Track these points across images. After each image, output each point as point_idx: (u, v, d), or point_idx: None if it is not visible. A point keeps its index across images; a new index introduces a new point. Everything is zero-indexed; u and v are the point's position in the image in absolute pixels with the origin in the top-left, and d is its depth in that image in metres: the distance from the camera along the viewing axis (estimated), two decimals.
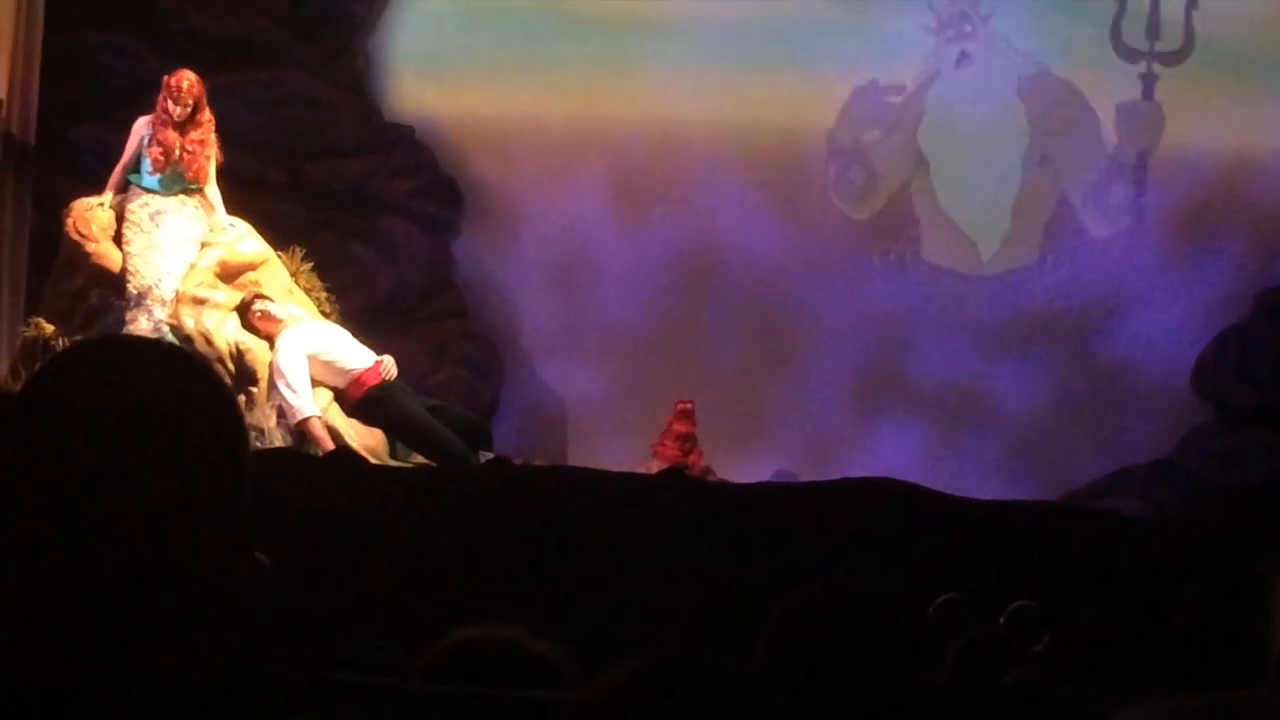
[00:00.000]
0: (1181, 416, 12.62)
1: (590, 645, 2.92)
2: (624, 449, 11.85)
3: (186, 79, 10.22)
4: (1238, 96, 12.81)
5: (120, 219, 10.31)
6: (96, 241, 10.30)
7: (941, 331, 12.75)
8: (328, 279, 11.37)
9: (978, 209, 12.96)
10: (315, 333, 10.31)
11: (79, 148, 11.94)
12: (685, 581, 3.52)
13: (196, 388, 1.61)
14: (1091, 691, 3.41)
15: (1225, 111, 12.81)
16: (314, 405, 9.96)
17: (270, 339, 10.11)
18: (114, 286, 10.26)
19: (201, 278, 10.17)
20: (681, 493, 9.00)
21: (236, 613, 1.61)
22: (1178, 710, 1.15)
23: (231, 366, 10.04)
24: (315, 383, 10.05)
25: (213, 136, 10.27)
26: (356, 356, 10.27)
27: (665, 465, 11.42)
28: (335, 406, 10.22)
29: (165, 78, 10.30)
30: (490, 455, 10.36)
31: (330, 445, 9.85)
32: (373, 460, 9.96)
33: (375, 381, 10.18)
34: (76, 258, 10.37)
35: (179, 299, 10.10)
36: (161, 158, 10.16)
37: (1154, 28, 12.84)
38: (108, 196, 10.31)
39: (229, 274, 10.32)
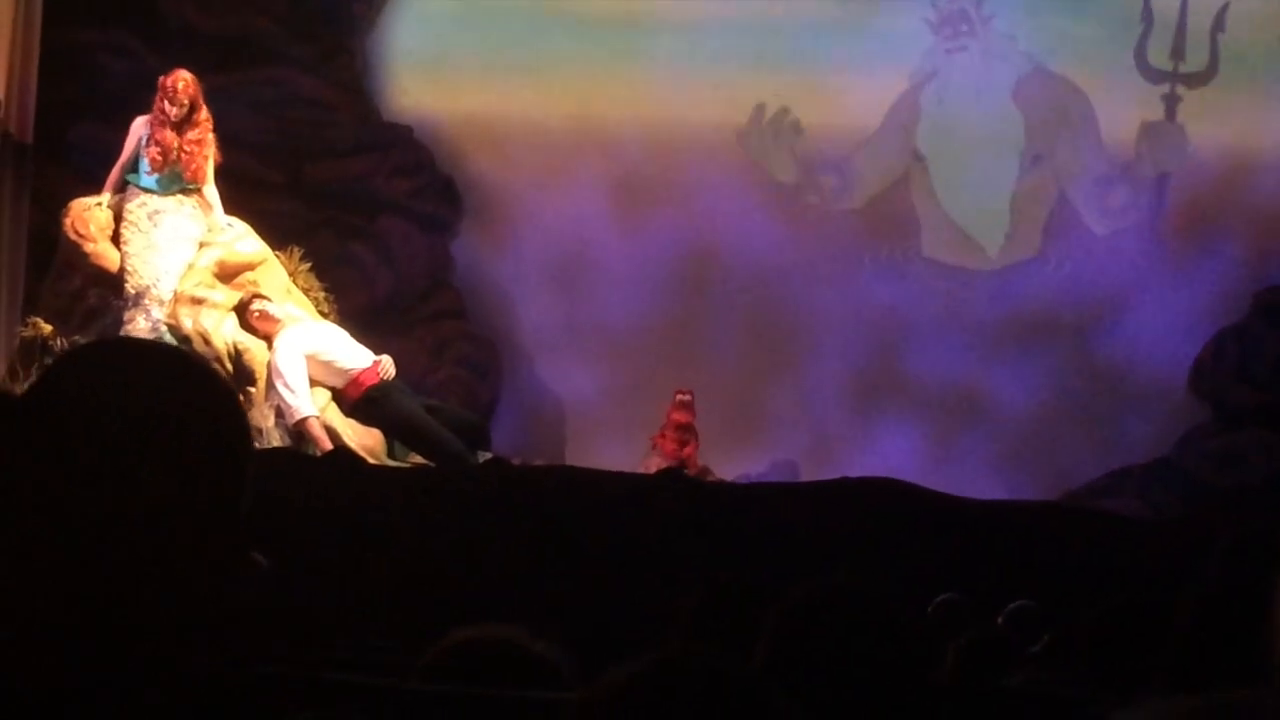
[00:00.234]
0: (1180, 416, 12.62)
1: (590, 645, 2.91)
2: (623, 448, 11.85)
3: (182, 79, 10.22)
4: (1236, 97, 12.81)
5: (118, 219, 10.30)
6: (95, 241, 10.30)
7: (940, 331, 12.75)
8: (326, 279, 11.37)
9: (977, 208, 12.97)
10: (313, 332, 10.31)
11: (77, 147, 11.94)
12: (685, 581, 3.52)
13: (199, 390, 1.61)
14: (1091, 692, 3.41)
15: (1224, 112, 12.82)
16: (312, 405, 9.95)
17: (268, 339, 10.10)
18: (112, 286, 10.25)
19: (199, 277, 10.17)
20: (680, 493, 9.00)
21: (236, 613, 1.61)
22: (1177, 710, 1.14)
23: (229, 366, 10.03)
24: (313, 382, 10.05)
25: (210, 136, 10.27)
26: (354, 356, 10.27)
27: (665, 458, 11.45)
28: (333, 406, 10.22)
29: (161, 78, 10.29)
30: (489, 455, 10.35)
31: (328, 445, 9.84)
32: (371, 460, 9.96)
33: (373, 381, 10.18)
34: (75, 257, 10.36)
35: (177, 299, 10.10)
36: (159, 158, 10.16)
37: (1179, 50, 12.83)
38: (106, 196, 10.31)
39: (227, 274, 10.32)
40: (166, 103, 10.13)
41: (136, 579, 1.52)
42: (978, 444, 12.53)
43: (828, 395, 12.70)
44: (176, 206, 10.28)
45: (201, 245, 10.30)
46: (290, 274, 10.85)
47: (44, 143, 11.30)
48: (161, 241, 10.19)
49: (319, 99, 12.86)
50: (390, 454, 10.34)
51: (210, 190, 10.32)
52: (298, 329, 10.19)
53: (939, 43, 12.94)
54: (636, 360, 12.62)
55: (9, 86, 10.77)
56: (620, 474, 10.02)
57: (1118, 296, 12.75)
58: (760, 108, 12.83)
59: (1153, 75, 12.87)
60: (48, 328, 10.15)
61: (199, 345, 9.92)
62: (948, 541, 8.32)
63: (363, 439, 10.22)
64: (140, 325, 10.01)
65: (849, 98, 12.81)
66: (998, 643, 4.81)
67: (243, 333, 10.15)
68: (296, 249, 11.14)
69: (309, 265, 11.19)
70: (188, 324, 10.02)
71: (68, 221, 10.34)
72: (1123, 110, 12.88)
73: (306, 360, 10.02)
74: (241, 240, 10.46)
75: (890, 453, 12.19)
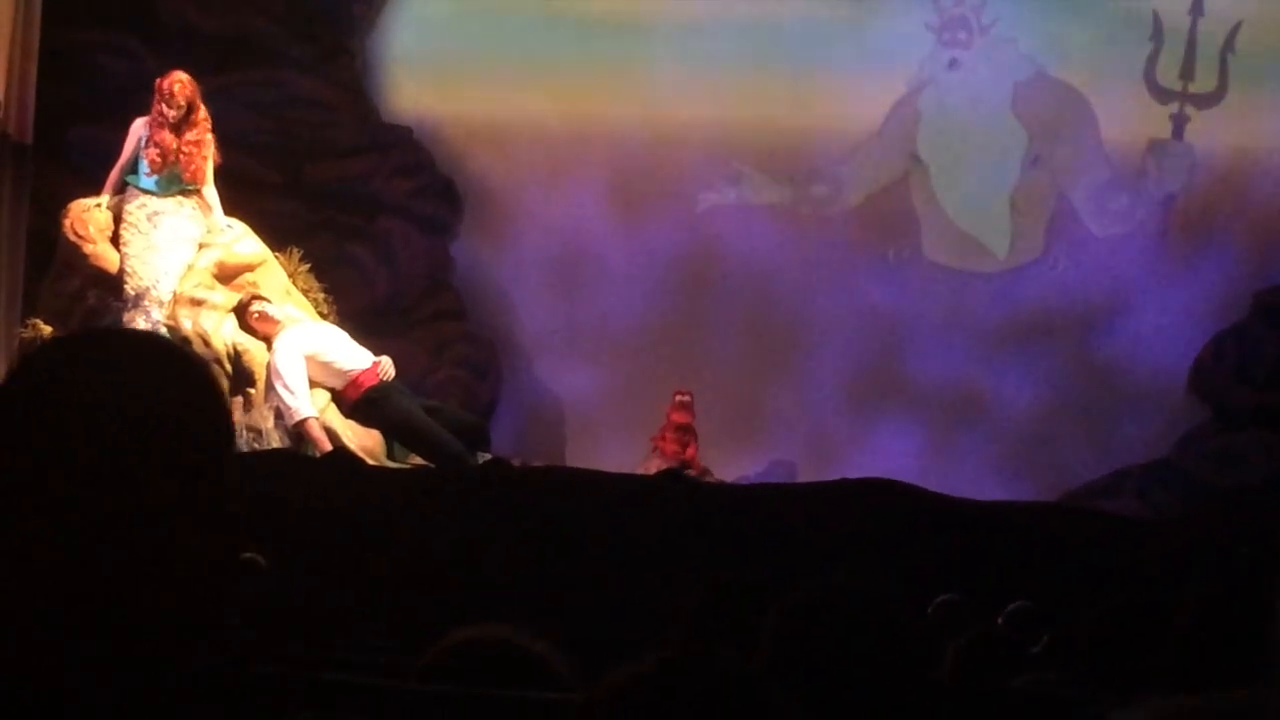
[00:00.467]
0: (1179, 417, 12.62)
1: (589, 646, 2.92)
2: (622, 449, 11.85)
3: (178, 80, 10.21)
4: (1236, 97, 12.81)
5: (118, 220, 10.31)
6: (94, 242, 10.30)
7: (941, 332, 12.75)
8: (325, 280, 11.37)
9: (977, 209, 12.97)
10: (313, 334, 10.31)
11: (77, 148, 11.94)
12: (684, 582, 3.52)
13: (177, 376, 1.60)
14: (1090, 692, 3.41)
15: (1224, 112, 12.82)
16: (311, 406, 9.95)
17: (268, 340, 10.10)
18: (111, 287, 10.25)
19: (199, 279, 10.17)
20: (680, 493, 9.01)
21: (226, 607, 1.61)
22: (1178, 711, 1.14)
23: (229, 368, 10.04)
24: (313, 384, 10.05)
25: (209, 137, 10.27)
26: (354, 357, 10.27)
27: (664, 459, 11.45)
28: (333, 407, 10.22)
29: (158, 80, 10.29)
30: (488, 456, 10.36)
31: (328, 446, 9.84)
32: (370, 461, 9.96)
33: (373, 382, 10.18)
34: (74, 259, 10.36)
35: (177, 300, 10.10)
36: (158, 159, 10.16)
37: (1189, 70, 12.83)
38: (105, 198, 10.31)
39: (226, 275, 10.31)
40: (164, 105, 10.14)
41: (114, 567, 1.52)
42: (977, 445, 12.53)
43: (827, 396, 12.70)
44: (176, 208, 10.28)
45: (201, 246, 10.30)
46: (290, 275, 10.85)
47: (43, 143, 11.30)
48: (161, 243, 10.19)
49: (319, 99, 12.86)
50: (390, 455, 10.34)
51: (210, 191, 10.32)
52: (297, 330, 10.19)
53: (939, 47, 12.94)
54: (636, 361, 12.63)
55: (8, 87, 10.76)
56: (620, 475, 10.03)
57: (1117, 297, 12.76)
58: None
59: (1162, 95, 12.86)
60: (47, 329, 10.15)
61: (198, 346, 9.92)
62: (947, 542, 8.32)
63: (362, 440, 10.21)
64: (140, 326, 9.99)
65: (849, 99, 12.81)
66: (997, 643, 4.81)
67: (242, 334, 10.15)
68: (296, 250, 11.14)
69: (308, 266, 11.19)
70: (187, 325, 10.02)
71: (67, 222, 10.34)
72: (1123, 113, 12.88)
73: (306, 361, 10.02)
74: (241, 241, 10.46)
75: (890, 453, 12.19)
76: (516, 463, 10.51)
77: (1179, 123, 12.85)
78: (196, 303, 10.10)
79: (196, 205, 10.33)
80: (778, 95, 12.82)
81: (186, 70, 10.42)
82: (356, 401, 10.19)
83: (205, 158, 10.24)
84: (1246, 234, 12.67)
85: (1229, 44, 12.78)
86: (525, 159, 12.92)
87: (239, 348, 10.08)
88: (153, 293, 10.12)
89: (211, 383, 1.64)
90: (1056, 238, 12.92)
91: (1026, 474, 12.21)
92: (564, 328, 12.89)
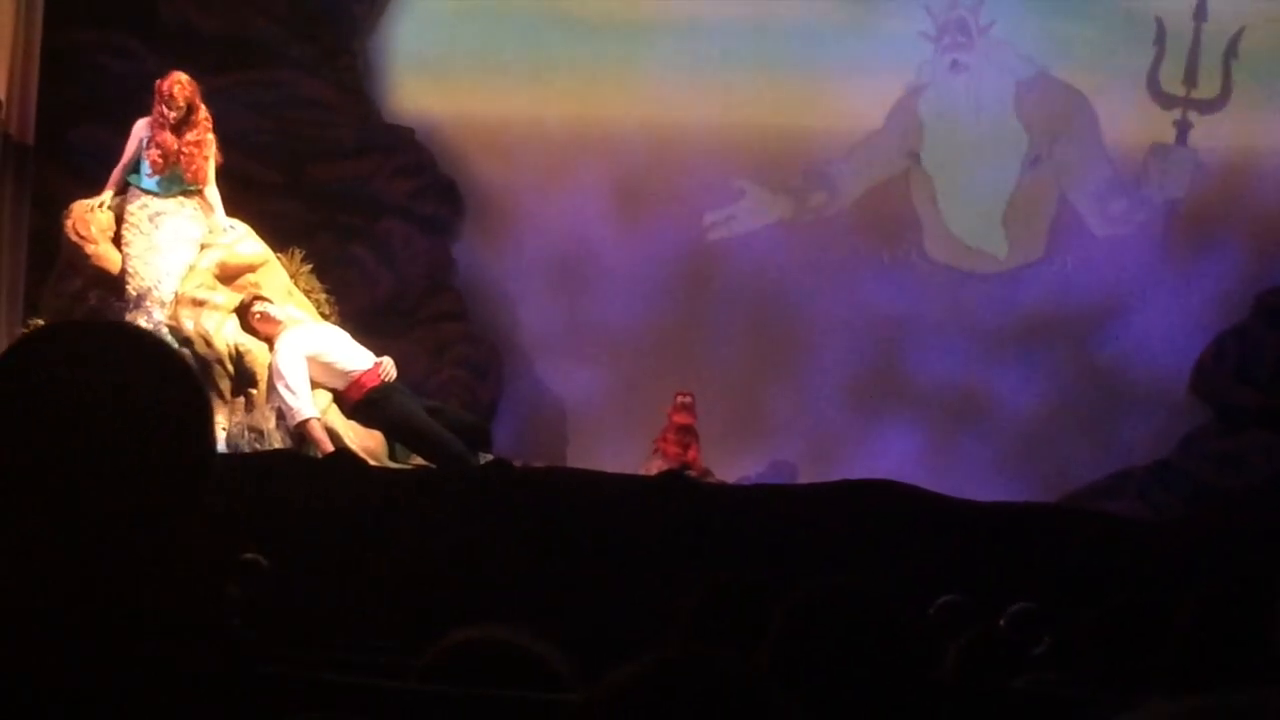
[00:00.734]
0: (1181, 418, 12.61)
1: (590, 646, 2.91)
2: (624, 450, 11.85)
3: (178, 81, 10.22)
4: (1239, 100, 12.81)
5: (119, 221, 10.31)
6: (96, 243, 10.30)
7: (942, 332, 12.75)
8: (327, 280, 11.37)
9: (978, 209, 12.97)
10: (314, 334, 10.31)
11: (78, 148, 11.94)
12: (685, 582, 3.52)
13: (156, 369, 1.60)
14: (1091, 692, 3.41)
15: (1227, 115, 12.82)
16: (313, 407, 9.95)
17: (269, 341, 10.10)
18: (113, 288, 10.25)
19: (201, 279, 10.17)
20: (681, 494, 9.00)
21: (226, 607, 1.61)
22: (1180, 712, 1.14)
23: (231, 368, 10.04)
24: (314, 384, 10.05)
25: (210, 137, 10.27)
26: (356, 358, 10.27)
27: (666, 461, 11.45)
28: (334, 408, 10.22)
29: (157, 81, 10.29)
30: (489, 457, 10.35)
31: (329, 447, 9.84)
32: (372, 462, 9.96)
33: (374, 383, 10.18)
34: (76, 259, 10.36)
35: (178, 300, 10.10)
36: (160, 160, 10.16)
37: (1192, 76, 12.83)
38: (108, 194, 10.30)
39: (228, 275, 10.31)
40: (164, 106, 10.14)
41: (92, 557, 1.51)
42: (978, 445, 12.52)
43: (828, 397, 12.70)
44: (177, 208, 10.28)
45: (203, 247, 10.30)
46: (291, 276, 10.85)
47: (45, 144, 11.30)
48: (163, 243, 10.19)
49: (320, 100, 12.86)
50: (391, 455, 10.34)
51: (212, 191, 10.32)
52: (299, 331, 10.19)
53: (938, 49, 12.94)
54: (637, 362, 12.63)
55: (10, 88, 10.77)
56: (621, 475, 10.02)
57: (1119, 298, 12.75)
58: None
59: (1165, 100, 12.86)
60: None
61: (200, 347, 9.92)
62: (948, 543, 8.31)
63: (364, 440, 10.21)
64: (142, 327, 10.00)
65: (851, 101, 12.81)
66: (999, 644, 4.81)
67: (244, 334, 10.15)
68: (298, 250, 11.14)
69: (310, 267, 11.19)
70: (189, 326, 10.02)
71: (69, 223, 10.34)
72: (1125, 115, 12.88)
73: (308, 362, 10.02)
74: (243, 242, 10.46)
75: (891, 454, 12.19)
76: (518, 463, 10.50)
77: (1182, 128, 12.84)
78: (198, 303, 10.10)
79: (198, 206, 10.33)
80: (779, 97, 12.82)
81: (188, 71, 10.42)
82: (358, 402, 10.19)
83: (206, 158, 10.24)
84: (1248, 235, 12.67)
85: (1232, 49, 12.77)
86: (527, 160, 12.92)
87: (241, 348, 10.08)
88: (154, 293, 10.13)
89: (187, 371, 1.64)
90: (1058, 238, 12.92)
91: (1027, 475, 12.20)
92: (565, 328, 12.89)
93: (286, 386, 9.89)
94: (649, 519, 8.46)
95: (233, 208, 10.50)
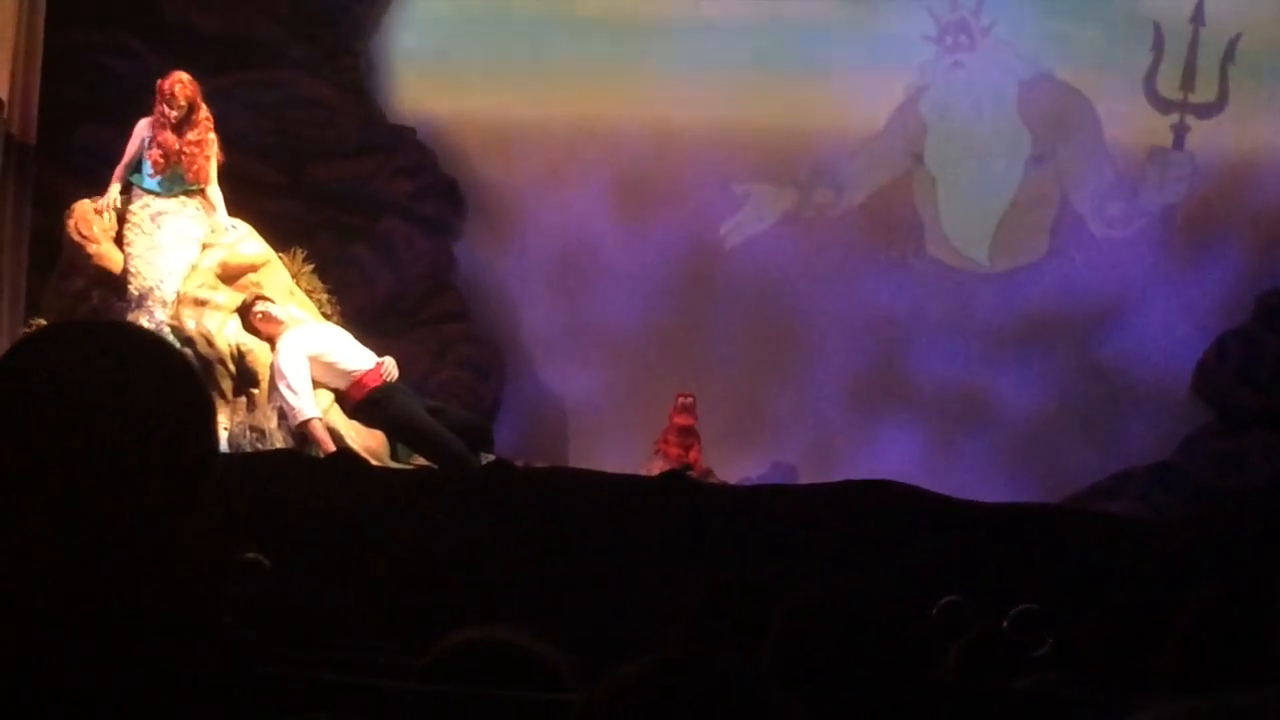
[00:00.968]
0: (1182, 419, 12.61)
1: (590, 646, 2.91)
2: (625, 450, 11.85)
3: (179, 81, 10.22)
4: (1239, 100, 12.80)
5: (121, 220, 10.31)
6: (98, 242, 10.30)
7: (943, 332, 12.75)
8: (329, 280, 11.38)
9: (980, 210, 12.97)
10: (316, 334, 10.31)
11: (80, 148, 11.94)
12: (686, 582, 3.52)
13: (156, 368, 1.60)
14: (1093, 693, 3.41)
15: (1228, 115, 12.81)
16: (315, 407, 9.96)
17: (271, 340, 10.11)
18: (115, 288, 10.26)
19: (203, 279, 10.17)
20: (682, 495, 9.00)
21: (226, 607, 1.61)
22: (1181, 713, 1.14)
23: (232, 368, 10.04)
24: (316, 384, 10.05)
25: (212, 136, 10.27)
26: (357, 358, 10.27)
27: (668, 462, 11.45)
28: (336, 408, 10.22)
29: (159, 81, 10.30)
30: (491, 457, 10.36)
31: (331, 447, 9.84)
32: (374, 462, 9.96)
33: (376, 383, 10.18)
34: (78, 259, 10.37)
35: (180, 300, 10.10)
36: (161, 160, 10.17)
37: (1189, 80, 12.82)
38: (115, 194, 10.29)
39: (230, 275, 10.32)
40: (165, 105, 10.15)
41: (92, 557, 1.51)
42: (979, 446, 12.52)
43: (830, 397, 12.70)
44: (179, 208, 10.28)
45: (204, 247, 10.30)
46: (293, 275, 10.86)
47: (47, 144, 11.30)
48: (165, 243, 10.20)
49: (321, 100, 12.86)
50: (393, 455, 10.34)
51: (214, 191, 10.32)
52: (301, 331, 10.19)
53: (940, 50, 12.94)
54: (639, 362, 12.63)
55: (12, 88, 10.77)
56: (622, 476, 10.02)
57: (1120, 299, 12.75)
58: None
59: (1162, 105, 12.85)
60: None
61: (202, 347, 9.92)
62: (950, 544, 8.31)
63: (365, 440, 10.22)
64: (144, 326, 10.00)
65: (853, 101, 12.81)
66: (1001, 644, 4.81)
67: (246, 334, 10.15)
68: (299, 250, 11.15)
69: (312, 267, 11.20)
70: (191, 325, 10.02)
71: (71, 223, 10.35)
72: (1126, 116, 12.88)
73: (309, 362, 10.02)
74: (244, 242, 10.46)
75: (892, 455, 12.19)
76: (519, 463, 10.51)
77: (1179, 132, 12.84)
78: (200, 303, 10.10)
79: (200, 205, 10.34)
80: (782, 97, 12.81)
81: (189, 71, 10.43)
82: (360, 402, 10.19)
83: (208, 157, 10.24)
84: (1250, 236, 12.67)
85: (1229, 54, 12.77)
86: (528, 160, 12.92)
87: (242, 348, 10.09)
88: (156, 293, 10.13)
89: (189, 371, 1.63)
90: (1060, 238, 12.92)
91: (1028, 475, 12.20)
92: (567, 328, 12.89)
93: (288, 386, 9.89)
94: (650, 519, 8.47)
95: (234, 208, 10.50)
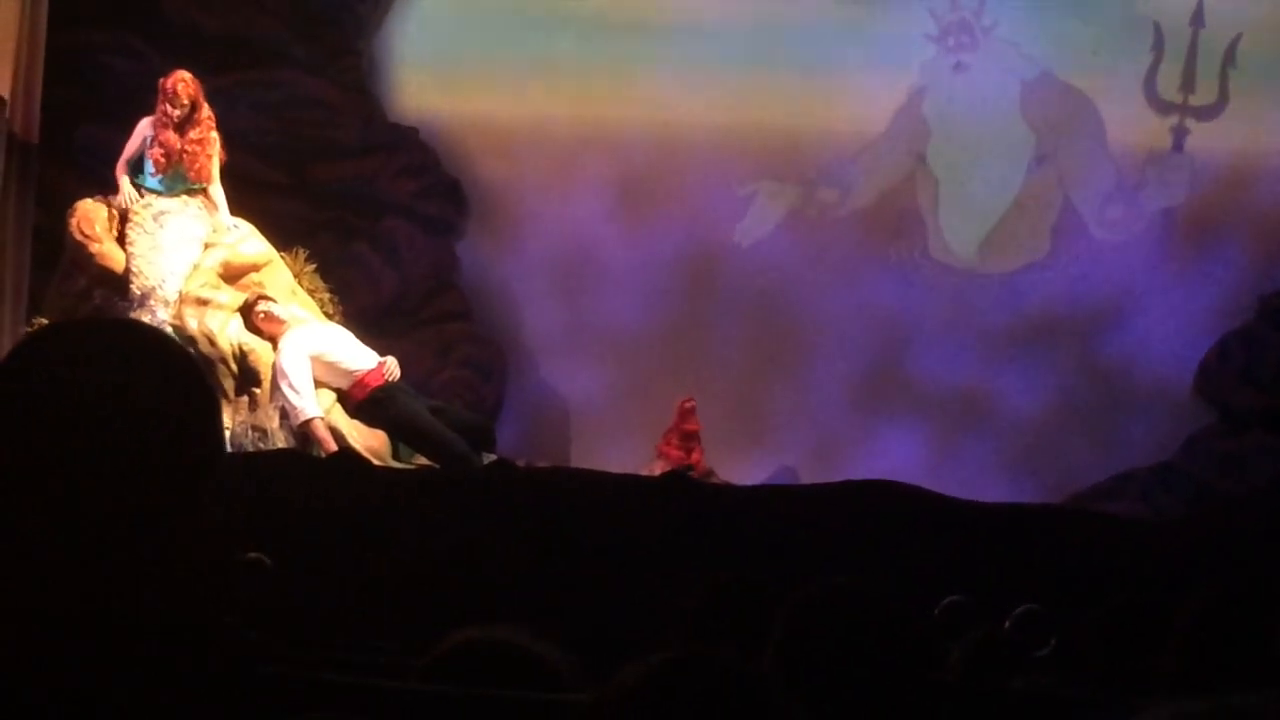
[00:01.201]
0: (1184, 420, 12.61)
1: (592, 646, 2.91)
2: (627, 450, 11.85)
3: (181, 79, 10.23)
4: (1243, 99, 12.80)
5: (124, 219, 10.32)
6: (100, 242, 10.31)
7: (945, 333, 12.75)
8: (331, 280, 11.38)
9: (982, 211, 12.96)
10: (318, 334, 10.31)
11: (82, 147, 11.95)
12: (687, 582, 3.52)
13: (161, 365, 1.59)
14: (1093, 693, 3.41)
15: (1230, 113, 12.81)
16: (317, 406, 9.96)
17: (273, 340, 10.11)
18: (117, 287, 10.26)
19: (205, 278, 10.18)
20: (684, 495, 9.00)
21: (227, 607, 1.61)
22: (1182, 713, 1.14)
23: (234, 367, 10.05)
24: (318, 384, 10.05)
25: (214, 135, 10.28)
26: (359, 358, 10.28)
27: (669, 464, 11.45)
28: (338, 407, 10.23)
29: (161, 80, 10.31)
30: (493, 457, 10.36)
31: (333, 446, 9.84)
32: (375, 461, 9.96)
33: (378, 383, 10.18)
34: (80, 258, 10.37)
35: (183, 299, 10.11)
36: (163, 158, 10.18)
37: (1189, 82, 12.81)
38: (126, 184, 10.29)
39: (232, 275, 10.32)
40: (167, 104, 10.16)
41: (92, 557, 1.51)
42: (982, 447, 12.52)
43: (832, 397, 12.69)
44: (181, 207, 10.29)
45: (207, 246, 10.31)
46: (295, 275, 10.86)
47: (49, 143, 11.31)
48: (167, 242, 10.20)
49: (323, 100, 12.86)
50: (395, 455, 10.34)
51: (216, 190, 10.33)
52: (303, 330, 10.20)
53: (942, 51, 12.94)
54: (641, 362, 12.63)
55: (14, 87, 10.77)
56: (624, 476, 10.02)
57: (1122, 299, 12.75)
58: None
59: (1162, 107, 12.85)
60: None
61: (204, 346, 9.93)
62: (951, 544, 8.31)
63: (367, 440, 10.22)
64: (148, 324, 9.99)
65: (856, 101, 12.81)
66: (1002, 645, 4.80)
67: (248, 334, 10.16)
68: (301, 250, 11.15)
69: (314, 266, 11.20)
70: (193, 325, 10.02)
71: (73, 222, 10.35)
72: (1128, 117, 12.87)
73: (311, 361, 10.02)
74: (246, 241, 10.47)
75: (894, 455, 12.19)
76: (521, 464, 10.51)
77: (1179, 135, 12.83)
78: (202, 302, 10.10)
79: (202, 205, 10.35)
80: (784, 97, 12.81)
81: (191, 70, 10.43)
82: (362, 402, 10.19)
83: (210, 156, 10.25)
84: (1253, 237, 12.66)
85: (1229, 56, 12.76)
86: (531, 160, 12.92)
87: (244, 347, 10.09)
88: (158, 292, 10.14)
89: (192, 370, 1.63)
90: (1062, 238, 12.91)
91: (1030, 476, 12.20)
92: (569, 328, 12.89)
93: (290, 386, 9.89)
94: (651, 519, 8.47)
95: (236, 207, 10.51)
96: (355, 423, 10.24)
